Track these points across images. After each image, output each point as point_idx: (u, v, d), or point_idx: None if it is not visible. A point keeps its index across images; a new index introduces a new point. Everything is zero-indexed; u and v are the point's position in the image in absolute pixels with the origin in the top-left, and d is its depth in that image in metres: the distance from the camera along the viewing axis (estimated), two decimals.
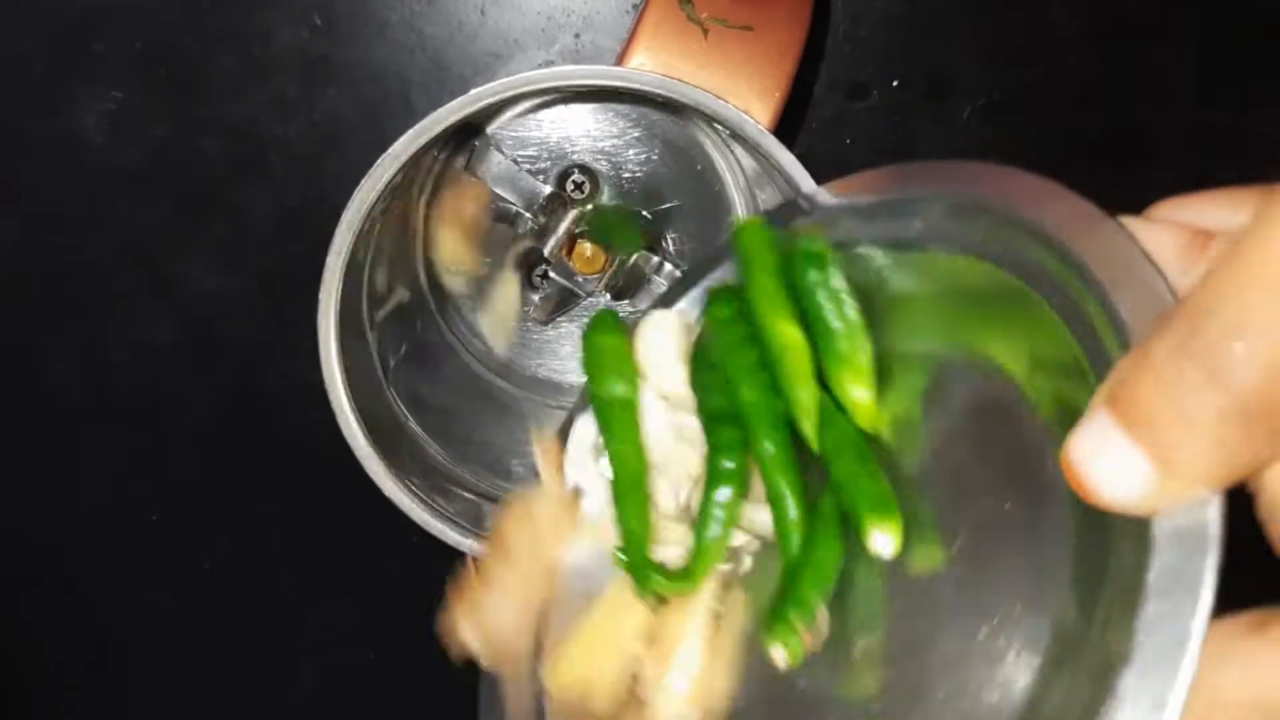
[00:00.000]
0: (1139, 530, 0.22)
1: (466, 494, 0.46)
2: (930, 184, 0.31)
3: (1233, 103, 0.53)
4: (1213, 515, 0.22)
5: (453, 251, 0.50)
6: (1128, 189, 0.52)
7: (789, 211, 0.34)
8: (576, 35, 0.50)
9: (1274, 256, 0.20)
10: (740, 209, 0.50)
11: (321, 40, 0.50)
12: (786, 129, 0.45)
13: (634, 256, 0.49)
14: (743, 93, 0.39)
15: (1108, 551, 0.24)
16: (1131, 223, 0.26)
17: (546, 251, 0.49)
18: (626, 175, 0.50)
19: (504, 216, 0.49)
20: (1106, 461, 0.22)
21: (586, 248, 0.50)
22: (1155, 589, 0.22)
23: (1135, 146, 0.53)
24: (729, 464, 0.29)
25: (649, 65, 0.39)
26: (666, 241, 0.51)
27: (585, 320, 0.52)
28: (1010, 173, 0.29)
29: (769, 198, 0.47)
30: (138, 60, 0.50)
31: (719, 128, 0.38)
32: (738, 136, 0.38)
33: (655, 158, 0.50)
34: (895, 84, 0.52)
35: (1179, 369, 0.21)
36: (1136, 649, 0.21)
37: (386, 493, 0.42)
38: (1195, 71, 0.52)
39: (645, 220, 0.51)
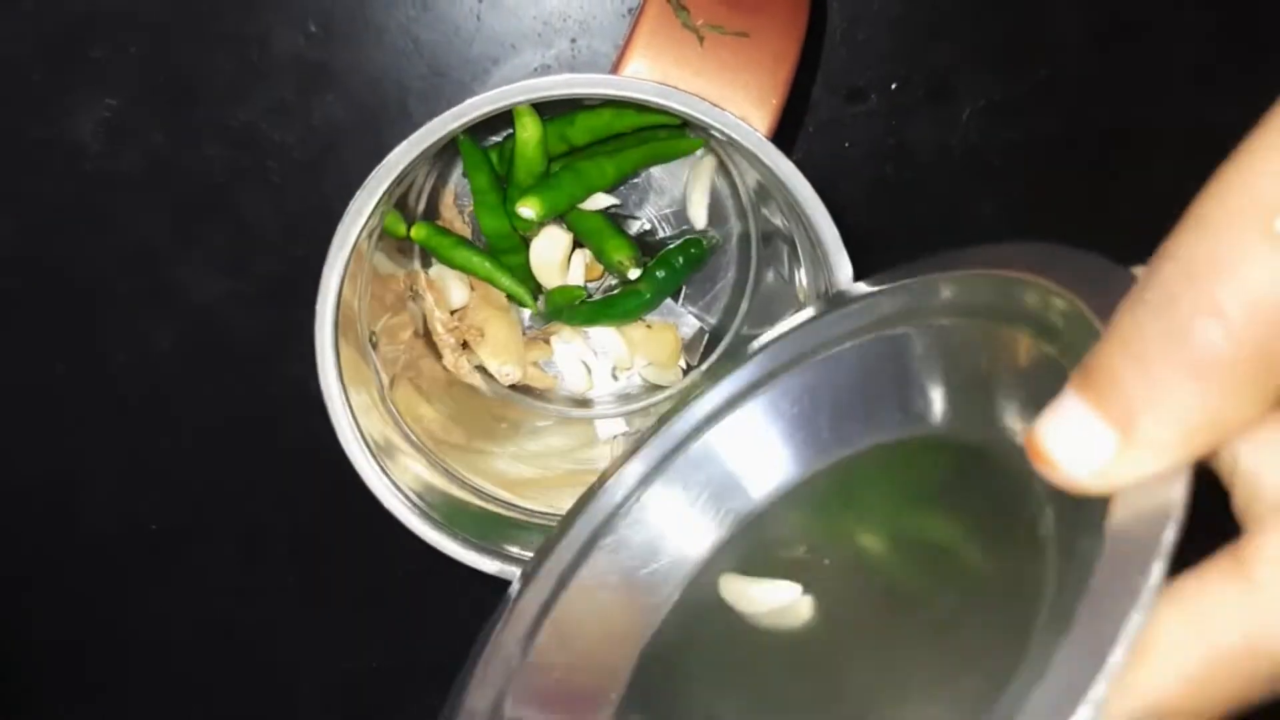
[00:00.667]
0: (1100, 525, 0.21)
1: (465, 505, 0.46)
2: (944, 266, 0.32)
3: (1234, 103, 0.52)
4: (1176, 492, 0.20)
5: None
6: (1128, 190, 0.52)
7: (831, 304, 0.35)
8: (573, 40, 0.50)
9: (1248, 190, 0.19)
10: (738, 215, 0.50)
11: (318, 46, 0.50)
12: (784, 134, 0.45)
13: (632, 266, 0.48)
14: (739, 100, 0.38)
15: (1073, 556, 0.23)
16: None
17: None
18: (627, 181, 0.50)
19: None
20: (1068, 434, 0.21)
21: (585, 254, 0.50)
22: (1106, 565, 0.20)
23: (1136, 147, 0.53)
24: None
25: (645, 73, 0.39)
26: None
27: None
28: (1012, 245, 0.30)
29: (770, 207, 0.47)
30: (135, 66, 0.50)
31: (717, 135, 0.38)
32: (736, 144, 0.37)
33: None
34: (894, 87, 0.51)
35: (1139, 326, 0.20)
36: (1078, 617, 0.20)
37: (384, 502, 0.42)
38: (1196, 72, 0.52)
39: (644, 227, 0.50)
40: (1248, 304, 0.19)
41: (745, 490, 0.36)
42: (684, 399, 0.38)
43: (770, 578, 0.33)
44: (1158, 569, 0.19)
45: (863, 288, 0.35)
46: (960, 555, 0.29)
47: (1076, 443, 0.21)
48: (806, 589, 0.32)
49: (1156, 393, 0.20)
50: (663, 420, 0.38)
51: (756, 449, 0.36)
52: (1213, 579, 0.20)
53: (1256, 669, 0.20)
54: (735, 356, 0.37)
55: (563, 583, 0.36)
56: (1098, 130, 0.53)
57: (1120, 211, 0.53)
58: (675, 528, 0.36)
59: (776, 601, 0.32)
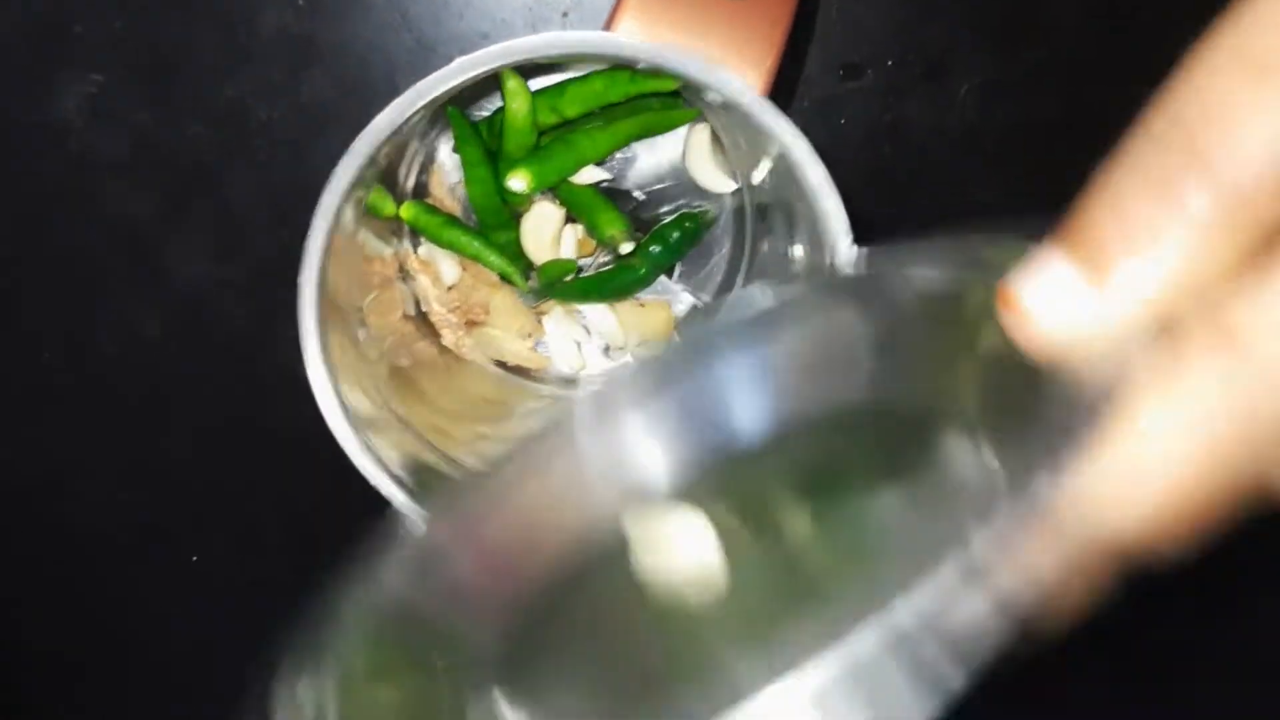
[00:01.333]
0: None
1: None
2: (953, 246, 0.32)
3: None
4: (1140, 343, 0.20)
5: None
6: None
7: (824, 277, 0.36)
8: (565, 14, 0.49)
9: (1242, 43, 0.19)
10: (733, 189, 0.49)
11: (305, 20, 0.49)
12: (780, 109, 0.44)
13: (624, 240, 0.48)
14: (732, 61, 0.38)
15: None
16: None
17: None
18: (619, 155, 0.49)
19: None
20: (1040, 283, 0.21)
21: (577, 230, 0.49)
22: (1056, 398, 0.20)
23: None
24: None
25: (636, 34, 0.38)
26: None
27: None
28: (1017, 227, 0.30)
29: (765, 178, 0.46)
30: (118, 41, 0.49)
31: (711, 96, 0.37)
32: (730, 107, 0.37)
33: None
34: (890, 64, 0.51)
35: (1123, 178, 0.20)
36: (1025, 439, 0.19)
37: (378, 486, 0.41)
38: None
39: (637, 201, 0.50)
40: (1235, 156, 0.19)
41: (707, 442, 0.35)
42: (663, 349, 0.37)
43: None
44: (1117, 389, 0.19)
45: (858, 260, 0.35)
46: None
47: (1048, 290, 0.21)
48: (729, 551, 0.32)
49: (1134, 241, 0.20)
50: (632, 365, 0.37)
51: (730, 402, 0.35)
52: (1193, 352, 0.19)
53: (1258, 431, 0.19)
54: (726, 311, 0.36)
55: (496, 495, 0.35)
56: (1096, 110, 0.53)
57: None
58: (613, 467, 0.35)
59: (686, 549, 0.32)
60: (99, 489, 0.54)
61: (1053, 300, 0.21)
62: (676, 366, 0.36)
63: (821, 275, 0.35)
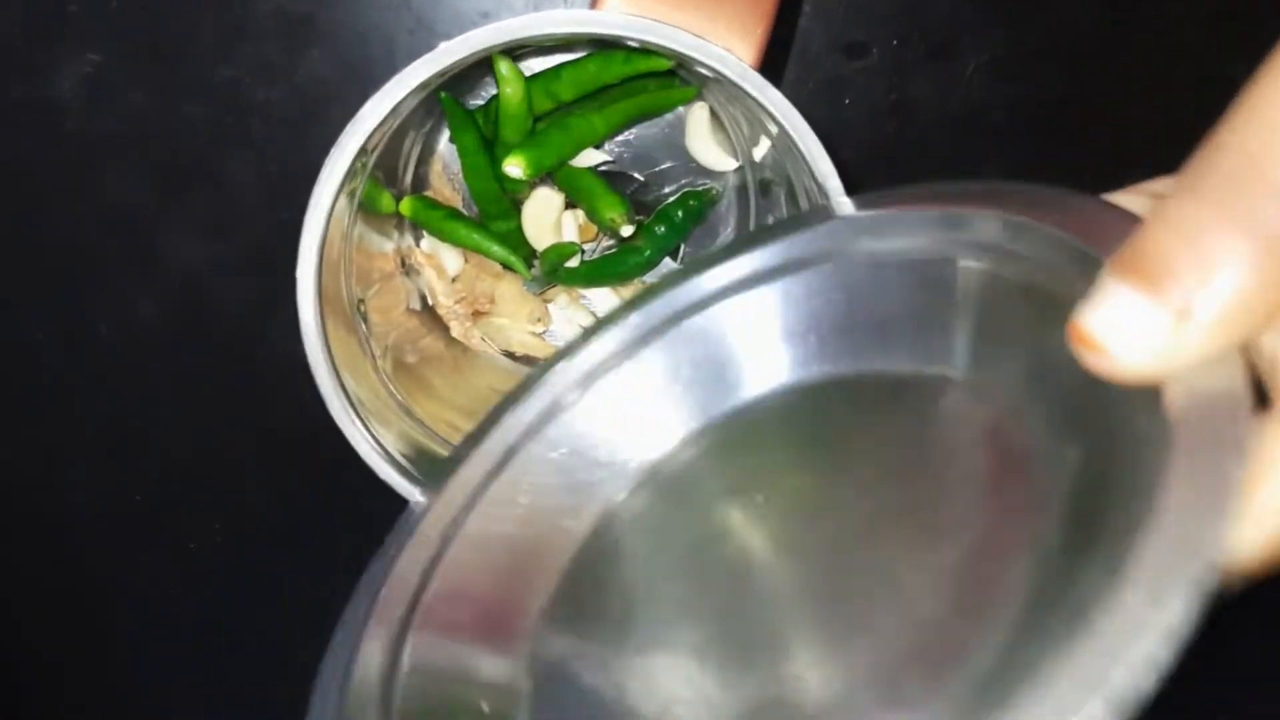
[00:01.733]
0: (1151, 423, 0.21)
1: None
2: (946, 202, 0.30)
3: (1248, 60, 0.51)
4: (1235, 369, 0.20)
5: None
6: (1138, 149, 0.51)
7: (815, 217, 0.34)
8: None
9: None
10: (735, 167, 0.48)
11: None
12: (783, 90, 0.43)
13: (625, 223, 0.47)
14: (722, 32, 0.37)
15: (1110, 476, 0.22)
16: (1118, 197, 0.27)
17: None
18: (618, 137, 0.49)
19: None
20: (1117, 320, 0.21)
21: (578, 215, 0.49)
22: (1183, 437, 0.20)
23: (1144, 106, 0.52)
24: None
25: (623, 9, 0.37)
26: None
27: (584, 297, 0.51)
28: (1007, 186, 0.29)
29: (764, 154, 0.46)
30: (114, 19, 0.49)
31: (701, 70, 0.37)
32: (721, 77, 0.36)
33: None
34: (895, 42, 0.50)
35: (1190, 208, 0.20)
36: (1167, 479, 0.19)
37: (379, 472, 0.40)
38: (1207, 29, 0.51)
39: (638, 183, 0.49)
40: None
41: (717, 393, 0.34)
42: (666, 283, 0.35)
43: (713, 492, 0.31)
44: (1245, 416, 0.19)
45: (850, 211, 0.33)
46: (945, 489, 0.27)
47: (1127, 327, 0.21)
48: (756, 509, 0.30)
49: (1211, 271, 0.20)
50: (637, 300, 0.35)
51: (744, 346, 0.34)
52: None
53: None
54: (734, 246, 0.34)
55: (486, 483, 0.33)
56: (1104, 89, 0.52)
57: (1128, 172, 0.51)
58: (624, 424, 0.34)
59: None
60: (91, 471, 0.54)
61: (1132, 336, 0.21)
62: (659, 318, 0.34)
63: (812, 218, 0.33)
